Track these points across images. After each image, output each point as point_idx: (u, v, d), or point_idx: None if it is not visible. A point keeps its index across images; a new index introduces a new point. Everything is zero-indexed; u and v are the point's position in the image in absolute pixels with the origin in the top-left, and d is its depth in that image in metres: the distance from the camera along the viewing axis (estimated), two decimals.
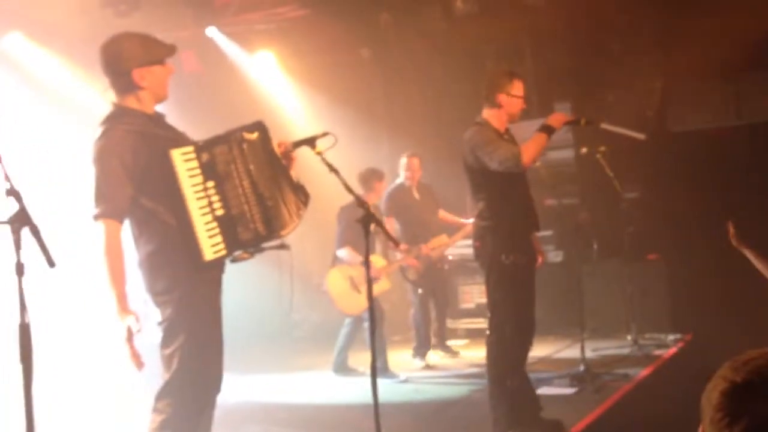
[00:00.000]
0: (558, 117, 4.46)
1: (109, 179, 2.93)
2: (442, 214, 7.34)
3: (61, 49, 7.44)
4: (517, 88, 4.49)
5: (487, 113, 4.53)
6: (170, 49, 3.15)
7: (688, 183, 8.01)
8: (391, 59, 9.70)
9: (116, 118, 3.05)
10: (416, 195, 7.29)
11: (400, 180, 7.30)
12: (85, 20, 7.19)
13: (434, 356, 7.39)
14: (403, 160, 7.29)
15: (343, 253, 6.59)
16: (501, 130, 4.51)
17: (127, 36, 3.10)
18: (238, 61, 9.23)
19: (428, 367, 7.09)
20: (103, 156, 2.96)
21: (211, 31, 8.72)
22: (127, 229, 3.05)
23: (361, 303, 6.45)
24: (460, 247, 8.41)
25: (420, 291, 7.19)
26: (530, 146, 4.28)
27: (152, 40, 3.13)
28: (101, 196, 2.93)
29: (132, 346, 2.82)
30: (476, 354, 7.27)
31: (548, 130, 4.34)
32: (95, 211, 2.93)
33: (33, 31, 7.25)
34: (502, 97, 4.48)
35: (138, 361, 2.82)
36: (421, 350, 7.21)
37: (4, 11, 6.96)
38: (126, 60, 3.03)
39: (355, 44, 9.50)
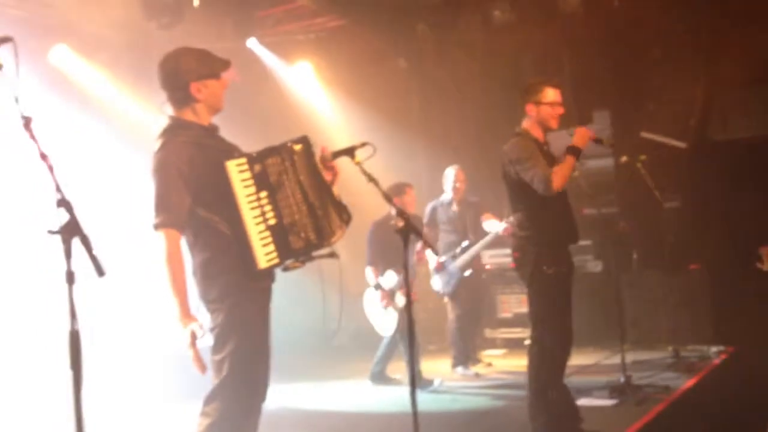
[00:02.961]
0: (582, 136, 4.37)
1: (169, 190, 3.01)
2: (486, 216, 7.15)
3: (105, 61, 7.60)
4: (548, 95, 4.44)
5: (526, 123, 4.53)
6: (225, 64, 3.25)
7: (729, 192, 7.88)
8: (428, 70, 9.72)
9: (174, 131, 3.14)
10: (455, 208, 7.27)
11: (446, 194, 7.28)
12: (128, 33, 7.34)
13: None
14: (450, 172, 7.28)
15: (367, 271, 6.68)
16: (540, 139, 4.50)
17: (183, 51, 3.20)
18: (276, 71, 9.35)
19: (477, 376, 7.06)
20: (163, 167, 3.04)
21: (251, 42, 8.85)
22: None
23: (390, 322, 6.60)
24: (498, 257, 8.37)
25: (446, 300, 7.18)
26: (560, 171, 4.26)
27: (208, 54, 3.23)
28: (161, 206, 3.00)
29: (196, 351, 2.90)
30: (514, 364, 7.23)
31: (575, 152, 4.31)
32: (156, 221, 3.00)
33: (78, 44, 7.42)
34: (530, 107, 4.47)
35: (201, 365, 2.90)
36: (459, 359, 7.17)
37: (51, 24, 7.15)
38: (183, 74, 3.13)
39: (392, 54, 9.55)
